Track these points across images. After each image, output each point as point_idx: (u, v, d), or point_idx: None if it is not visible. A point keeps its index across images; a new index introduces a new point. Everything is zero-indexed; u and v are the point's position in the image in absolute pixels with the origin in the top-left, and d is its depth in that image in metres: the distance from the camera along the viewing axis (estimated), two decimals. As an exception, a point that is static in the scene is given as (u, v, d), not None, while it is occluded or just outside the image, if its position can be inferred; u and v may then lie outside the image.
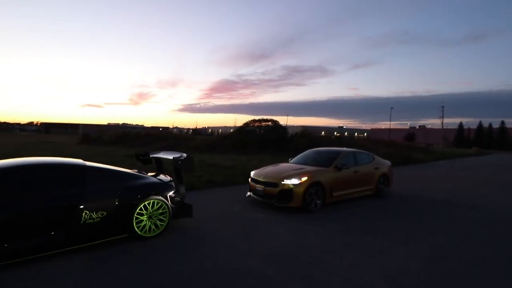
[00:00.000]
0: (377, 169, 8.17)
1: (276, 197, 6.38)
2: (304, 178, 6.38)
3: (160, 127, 53.94)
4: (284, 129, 21.91)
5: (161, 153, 5.99)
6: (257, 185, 6.76)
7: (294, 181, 6.32)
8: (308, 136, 21.42)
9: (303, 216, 6.11)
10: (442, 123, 61.82)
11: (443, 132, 61.44)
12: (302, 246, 4.57)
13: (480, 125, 65.58)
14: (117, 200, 4.38)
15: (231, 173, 10.75)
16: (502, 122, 62.11)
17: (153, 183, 4.97)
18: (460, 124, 68.60)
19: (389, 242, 4.85)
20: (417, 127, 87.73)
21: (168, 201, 4.92)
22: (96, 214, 4.15)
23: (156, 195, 4.82)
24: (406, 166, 17.15)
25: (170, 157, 5.40)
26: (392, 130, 68.84)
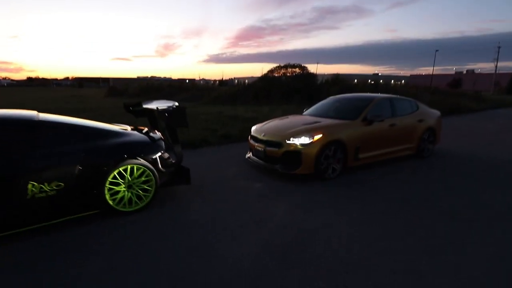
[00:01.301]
0: (421, 122, 6.05)
1: (280, 161, 4.72)
2: (318, 136, 4.57)
3: (186, 79, 52.56)
4: (313, 75, 19.30)
5: (154, 102, 4.62)
6: (257, 144, 5.09)
7: (304, 139, 4.55)
8: (341, 83, 18.71)
9: (314, 188, 4.45)
10: (496, 66, 53.48)
11: (495, 77, 53.42)
12: (304, 241, 2.99)
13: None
14: (78, 166, 3.19)
15: (250, 126, 9.15)
16: None
17: (132, 142, 3.67)
18: (517, 68, 58.82)
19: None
20: (464, 72, 77.68)
21: (154, 166, 3.69)
22: (49, 186, 3.04)
23: (136, 158, 3.54)
24: (455, 116, 14.28)
25: (156, 107, 4.10)
26: (435, 76, 61.34)
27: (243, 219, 3.42)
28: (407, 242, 2.96)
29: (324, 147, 4.56)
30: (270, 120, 5.88)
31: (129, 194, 3.53)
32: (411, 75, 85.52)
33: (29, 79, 77.93)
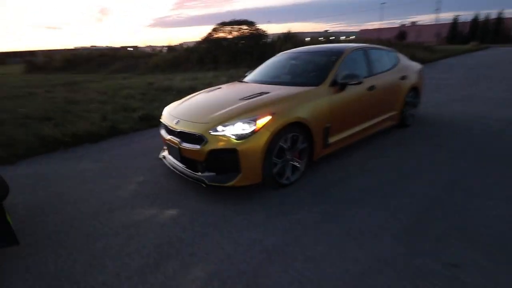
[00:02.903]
0: (404, 79, 4.36)
1: (205, 167, 2.75)
2: (265, 119, 2.63)
3: (130, 47, 46.42)
4: (262, 33, 16.84)
5: None
6: (169, 138, 3.03)
7: (240, 127, 2.60)
8: (293, 39, 16.58)
9: (268, 214, 2.60)
10: (437, 17, 54.20)
11: (437, 28, 54.66)
12: None
13: (475, 18, 58.10)
14: None
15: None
16: (499, 13, 54.83)
17: None
18: (454, 19, 60.88)
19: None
20: (408, 25, 79.10)
21: None
22: None
23: None
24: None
25: None
26: (382, 30, 61.36)
27: None
28: None
29: (276, 137, 2.66)
30: (193, 95, 3.77)
31: None
32: (360, 30, 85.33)
33: None
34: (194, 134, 2.70)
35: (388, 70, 4.20)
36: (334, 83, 3.25)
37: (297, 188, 2.91)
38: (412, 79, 4.56)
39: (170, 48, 23.30)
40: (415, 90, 4.68)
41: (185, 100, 3.54)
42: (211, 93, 3.60)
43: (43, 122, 5.31)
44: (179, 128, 2.88)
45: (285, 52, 4.38)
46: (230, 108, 2.83)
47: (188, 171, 2.87)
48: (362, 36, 49.82)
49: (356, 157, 3.61)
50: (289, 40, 15.66)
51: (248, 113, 2.69)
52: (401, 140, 4.17)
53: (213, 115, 2.78)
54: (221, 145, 2.57)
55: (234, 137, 2.56)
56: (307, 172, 3.17)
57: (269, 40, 16.60)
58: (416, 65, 5.03)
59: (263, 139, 2.58)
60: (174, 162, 3.08)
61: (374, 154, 3.69)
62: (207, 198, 2.79)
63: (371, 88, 3.69)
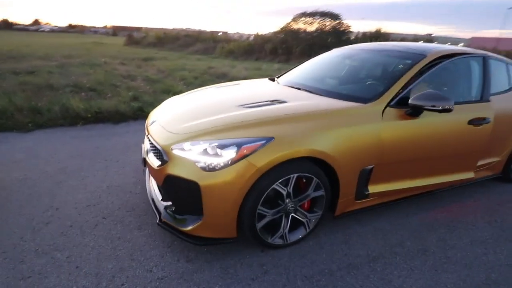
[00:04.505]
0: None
1: (164, 196, 1.91)
2: (254, 145, 1.64)
3: (220, 32, 48.27)
4: (346, 28, 15.02)
5: None
6: (144, 145, 2.26)
7: (213, 151, 1.64)
8: (380, 39, 14.37)
9: None
10: None
11: None
12: None
13: None
14: None
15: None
16: None
17: None
18: None
19: None
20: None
21: None
22: None
23: None
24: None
25: None
26: (501, 40, 50.38)
27: None
28: None
29: (268, 176, 1.65)
30: (201, 88, 2.93)
31: None
32: (472, 38, 72.37)
33: (70, 25, 77.68)
34: (158, 147, 1.87)
35: (506, 92, 2.66)
36: (399, 103, 2.01)
37: (294, 268, 1.86)
38: None
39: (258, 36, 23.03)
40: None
41: (187, 94, 2.74)
42: (220, 89, 2.69)
43: (82, 93, 5.22)
44: (150, 131, 2.09)
45: (343, 47, 3.15)
46: (216, 117, 1.90)
47: (154, 192, 2.06)
48: (474, 44, 41.78)
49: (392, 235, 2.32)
50: (375, 40, 13.55)
51: (232, 131, 1.73)
52: (495, 207, 2.64)
53: (190, 124, 1.90)
54: (180, 172, 1.68)
55: (199, 164, 1.64)
56: (322, 227, 2.07)
57: (352, 37, 14.70)
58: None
59: (243, 176, 1.59)
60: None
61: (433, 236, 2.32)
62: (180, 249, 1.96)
63: (475, 121, 2.29)
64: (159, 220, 1.83)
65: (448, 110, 1.93)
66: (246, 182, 1.60)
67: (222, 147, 1.64)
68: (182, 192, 1.71)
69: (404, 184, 2.20)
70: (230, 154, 1.62)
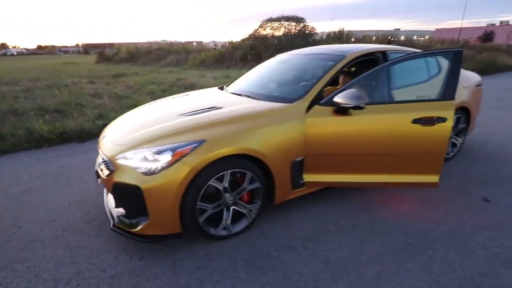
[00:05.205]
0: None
1: (115, 203, 2.10)
2: (186, 148, 1.87)
3: (194, 42, 48.51)
4: (311, 31, 15.59)
5: None
6: (100, 160, 2.43)
7: (151, 157, 1.86)
8: (344, 38, 15.02)
9: None
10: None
11: (535, 28, 45.23)
12: None
13: None
14: None
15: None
16: None
17: None
18: None
19: None
20: (497, 24, 67.56)
21: None
22: None
23: None
24: (489, 77, 10.65)
25: None
26: (464, 30, 53.16)
27: None
28: None
29: (202, 174, 1.88)
30: (157, 101, 3.14)
31: None
32: (436, 29, 75.93)
33: (39, 47, 75.83)
34: (106, 157, 2.07)
35: (424, 82, 3.00)
36: (330, 103, 2.21)
37: (240, 249, 2.08)
38: (460, 96, 3.25)
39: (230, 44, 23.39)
40: (464, 111, 3.36)
41: (139, 108, 2.94)
42: (168, 101, 2.91)
43: (47, 115, 5.28)
44: (100, 145, 2.28)
45: (284, 53, 3.45)
46: (157, 127, 2.12)
47: (110, 201, 2.24)
48: (436, 36, 43.91)
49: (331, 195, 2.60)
50: (339, 40, 14.14)
51: (168, 138, 1.95)
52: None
53: (133, 135, 2.10)
54: (124, 178, 1.88)
55: (140, 170, 1.85)
56: (265, 215, 2.31)
57: (317, 38, 15.28)
58: (472, 77, 3.66)
59: (179, 176, 1.81)
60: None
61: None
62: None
63: (422, 121, 2.25)
64: (112, 225, 2.02)
65: (359, 108, 2.17)
66: (182, 181, 1.82)
67: (159, 152, 1.86)
68: (128, 197, 1.91)
69: (344, 178, 2.37)
70: (166, 158, 1.83)
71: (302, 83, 2.70)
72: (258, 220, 2.29)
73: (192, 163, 1.83)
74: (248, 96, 2.61)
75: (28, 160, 3.77)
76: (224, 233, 2.11)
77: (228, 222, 2.10)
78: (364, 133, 2.25)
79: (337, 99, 2.20)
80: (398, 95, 2.49)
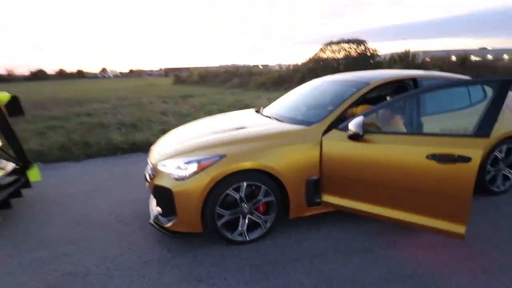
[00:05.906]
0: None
1: (156, 203, 2.54)
2: (210, 161, 2.22)
3: (260, 65, 51.03)
4: (373, 52, 15.24)
5: None
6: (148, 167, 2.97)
7: (182, 166, 2.26)
8: (409, 61, 14.25)
9: None
10: None
11: None
12: None
13: None
14: None
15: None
16: None
17: None
18: None
19: None
20: None
21: None
22: None
23: None
24: None
25: None
26: None
27: None
28: None
29: (220, 184, 2.20)
30: (200, 119, 3.64)
31: None
32: (534, 48, 65.32)
33: (131, 71, 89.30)
34: (152, 164, 2.56)
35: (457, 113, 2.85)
36: (346, 128, 2.31)
37: (253, 258, 2.32)
38: (508, 125, 2.98)
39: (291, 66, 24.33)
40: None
41: (186, 125, 3.46)
42: (210, 120, 3.38)
43: (123, 129, 6.35)
44: (150, 154, 2.81)
45: (318, 79, 3.67)
46: (192, 141, 2.55)
47: (152, 201, 2.73)
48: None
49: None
50: (402, 62, 13.50)
51: (198, 151, 2.34)
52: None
53: (173, 147, 2.57)
54: (162, 182, 2.32)
55: (173, 176, 2.27)
56: (278, 229, 2.50)
57: (380, 59, 14.82)
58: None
59: (201, 184, 2.17)
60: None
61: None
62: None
63: (439, 158, 2.01)
64: (151, 220, 2.46)
65: (358, 136, 2.22)
66: (204, 188, 2.17)
67: (188, 163, 2.25)
68: (163, 197, 2.33)
69: (360, 205, 2.35)
70: (193, 168, 2.22)
71: (329, 108, 2.88)
72: (274, 231, 2.49)
73: (212, 173, 2.18)
74: (276, 119, 2.90)
75: (104, 164, 4.64)
76: (240, 238, 2.37)
77: (244, 229, 2.36)
78: (376, 161, 2.23)
79: (349, 125, 2.31)
80: (419, 126, 2.48)
